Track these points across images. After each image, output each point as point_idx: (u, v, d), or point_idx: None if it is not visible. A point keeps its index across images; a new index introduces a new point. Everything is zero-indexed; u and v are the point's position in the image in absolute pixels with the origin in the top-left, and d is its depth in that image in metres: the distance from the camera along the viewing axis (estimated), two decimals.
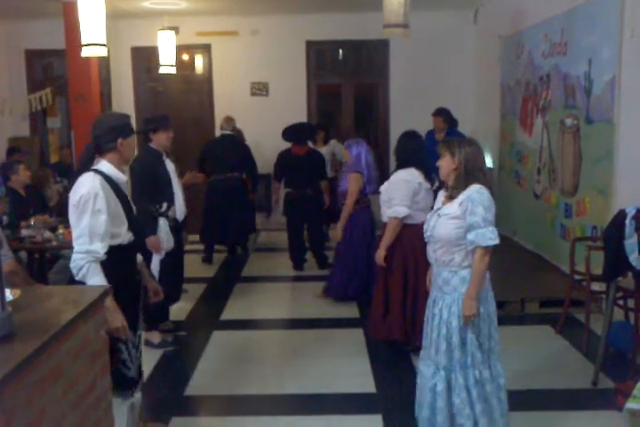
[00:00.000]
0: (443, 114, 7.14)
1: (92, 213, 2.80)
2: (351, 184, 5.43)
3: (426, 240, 3.14)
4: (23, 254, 5.33)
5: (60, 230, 5.32)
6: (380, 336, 4.53)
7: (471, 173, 2.95)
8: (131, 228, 3.02)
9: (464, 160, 2.95)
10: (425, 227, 3.14)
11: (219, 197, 7.06)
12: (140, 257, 3.28)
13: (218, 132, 7.95)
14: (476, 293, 2.92)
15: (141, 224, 4.35)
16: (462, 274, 2.98)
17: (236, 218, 7.09)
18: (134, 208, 3.16)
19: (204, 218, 7.22)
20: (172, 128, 4.83)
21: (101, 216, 2.81)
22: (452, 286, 3.00)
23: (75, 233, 2.86)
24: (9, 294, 2.22)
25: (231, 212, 7.06)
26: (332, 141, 8.12)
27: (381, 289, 4.46)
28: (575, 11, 5.73)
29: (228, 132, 7.26)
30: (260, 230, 8.63)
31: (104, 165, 2.96)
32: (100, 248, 2.81)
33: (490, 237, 2.88)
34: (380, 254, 4.32)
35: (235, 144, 7.24)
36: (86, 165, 2.99)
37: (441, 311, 3.03)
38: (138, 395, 3.15)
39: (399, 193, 4.27)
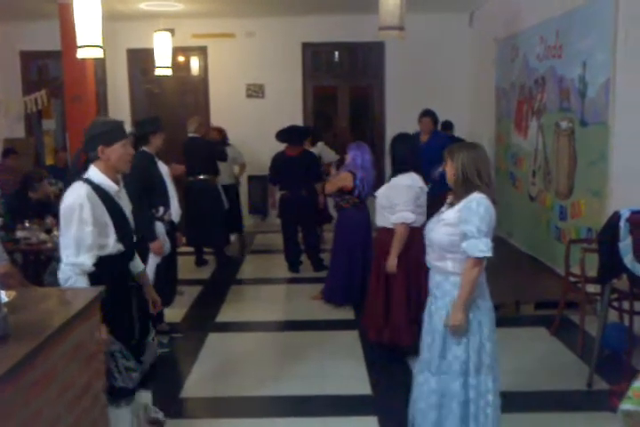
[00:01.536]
0: (431, 115, 7.13)
1: (77, 223, 2.77)
2: (338, 177, 5.47)
3: (425, 242, 3.13)
4: (18, 256, 5.33)
5: (55, 232, 5.31)
6: (384, 340, 4.47)
7: (467, 179, 2.88)
8: (122, 238, 2.93)
9: (460, 166, 2.90)
10: (425, 229, 3.13)
11: (192, 200, 6.98)
12: (141, 266, 3.25)
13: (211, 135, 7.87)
14: (463, 303, 2.85)
15: (142, 229, 4.34)
16: (454, 279, 2.93)
17: (211, 220, 6.94)
18: (131, 217, 3.09)
19: (186, 220, 7.10)
20: None
21: (87, 227, 2.77)
22: (444, 291, 2.97)
23: (62, 243, 2.83)
24: (4, 296, 2.22)
25: (205, 214, 6.92)
26: (320, 144, 8.09)
27: (382, 293, 4.44)
28: (570, 14, 5.75)
29: (191, 134, 7.17)
30: (255, 232, 8.63)
31: (94, 173, 2.90)
32: (87, 259, 2.79)
33: (481, 248, 2.81)
34: (393, 263, 4.26)
35: (200, 146, 7.02)
36: (77, 173, 2.93)
37: (432, 315, 3.01)
38: (147, 396, 3.16)
39: (403, 199, 4.24)
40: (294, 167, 6.63)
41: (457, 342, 2.92)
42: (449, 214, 2.95)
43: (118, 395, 2.95)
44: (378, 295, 4.46)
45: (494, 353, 2.97)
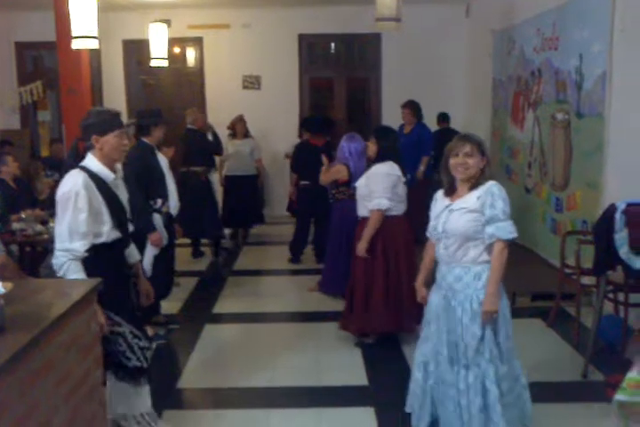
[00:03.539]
0: (410, 106, 7.15)
1: (73, 211, 2.80)
2: (332, 169, 5.49)
3: (435, 238, 3.11)
4: (14, 248, 5.32)
5: (52, 224, 5.29)
6: (366, 329, 4.54)
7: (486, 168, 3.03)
8: (118, 226, 2.97)
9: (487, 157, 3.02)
10: (433, 224, 3.11)
11: (185, 191, 6.92)
12: (137, 256, 3.27)
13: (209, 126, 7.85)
14: (497, 287, 2.92)
15: (140, 221, 4.33)
16: (476, 270, 2.97)
17: (203, 212, 6.91)
18: (127, 206, 3.12)
19: (182, 212, 7.05)
20: None
21: (82, 215, 2.80)
22: (465, 283, 2.97)
23: (57, 230, 2.87)
24: (1, 287, 2.22)
25: (197, 205, 6.87)
26: None
27: (362, 282, 4.46)
28: (567, 5, 5.74)
29: (188, 126, 7.15)
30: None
31: (92, 161, 2.93)
32: (80, 246, 2.81)
33: (510, 230, 2.92)
34: (362, 246, 4.34)
35: (195, 138, 7.04)
36: (74, 162, 2.97)
37: (454, 310, 2.99)
38: None
39: (380, 186, 4.29)
40: (318, 157, 6.62)
41: (492, 328, 2.95)
42: (467, 202, 2.97)
43: (135, 374, 3.04)
44: (359, 286, 4.50)
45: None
